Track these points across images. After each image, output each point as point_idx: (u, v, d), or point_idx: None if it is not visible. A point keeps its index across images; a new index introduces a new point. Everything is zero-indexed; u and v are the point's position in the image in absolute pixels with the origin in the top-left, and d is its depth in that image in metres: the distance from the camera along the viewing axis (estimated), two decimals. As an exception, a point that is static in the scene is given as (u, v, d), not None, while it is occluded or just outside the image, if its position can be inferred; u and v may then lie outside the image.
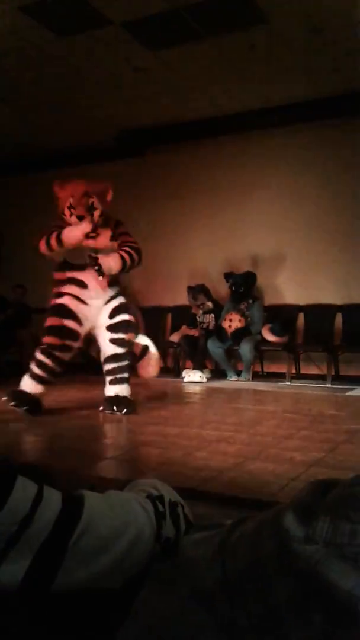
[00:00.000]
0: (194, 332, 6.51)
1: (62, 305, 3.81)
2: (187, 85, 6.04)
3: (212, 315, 6.66)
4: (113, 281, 3.98)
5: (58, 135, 7.47)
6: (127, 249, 3.89)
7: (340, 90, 6.07)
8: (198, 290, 6.71)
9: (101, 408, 3.78)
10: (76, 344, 3.87)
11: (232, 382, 6.15)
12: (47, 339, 3.83)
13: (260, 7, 4.58)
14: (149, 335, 7.13)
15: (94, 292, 3.87)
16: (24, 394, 3.68)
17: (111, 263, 3.81)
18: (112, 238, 3.91)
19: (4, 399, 3.65)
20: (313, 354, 6.40)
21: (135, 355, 4.10)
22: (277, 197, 6.81)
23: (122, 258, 3.84)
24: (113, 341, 3.85)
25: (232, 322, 6.22)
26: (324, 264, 6.49)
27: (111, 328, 3.85)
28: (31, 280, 7.52)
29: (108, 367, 3.87)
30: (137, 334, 4.07)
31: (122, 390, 3.84)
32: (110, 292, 3.95)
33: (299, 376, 6.46)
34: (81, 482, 0.86)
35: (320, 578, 0.43)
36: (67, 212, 3.78)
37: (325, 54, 5.30)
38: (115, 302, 3.94)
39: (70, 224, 3.76)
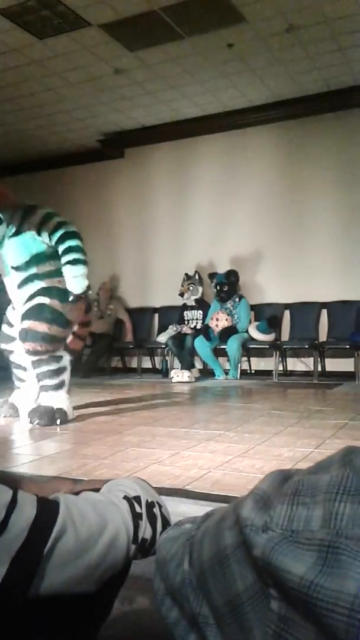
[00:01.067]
0: (186, 329, 6.53)
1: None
2: (167, 85, 6.05)
3: (200, 312, 6.67)
4: (27, 279, 3.59)
5: (40, 138, 7.45)
6: (66, 265, 3.55)
7: (319, 88, 6.12)
8: (194, 274, 6.77)
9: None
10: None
11: (220, 380, 6.17)
12: None
13: (237, 6, 4.60)
14: (136, 335, 7.19)
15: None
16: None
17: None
18: (17, 232, 3.55)
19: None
20: (300, 351, 6.44)
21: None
22: (260, 195, 6.84)
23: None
24: (25, 351, 3.56)
25: (219, 322, 6.24)
26: (309, 261, 6.53)
27: (19, 335, 3.59)
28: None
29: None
30: (50, 342, 3.51)
31: (47, 398, 3.57)
32: (26, 292, 3.59)
33: (286, 373, 6.50)
34: (62, 487, 0.85)
35: (275, 565, 0.44)
36: None
37: (302, 52, 5.33)
38: (27, 306, 3.57)
39: None
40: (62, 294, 3.53)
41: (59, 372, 3.58)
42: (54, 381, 3.55)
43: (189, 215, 7.24)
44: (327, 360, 6.34)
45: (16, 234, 3.52)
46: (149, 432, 3.15)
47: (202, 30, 4.98)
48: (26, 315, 3.51)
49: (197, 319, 6.72)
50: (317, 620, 0.41)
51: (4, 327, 3.80)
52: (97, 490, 0.83)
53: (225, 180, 7.04)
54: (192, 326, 6.66)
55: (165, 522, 0.82)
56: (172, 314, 7.00)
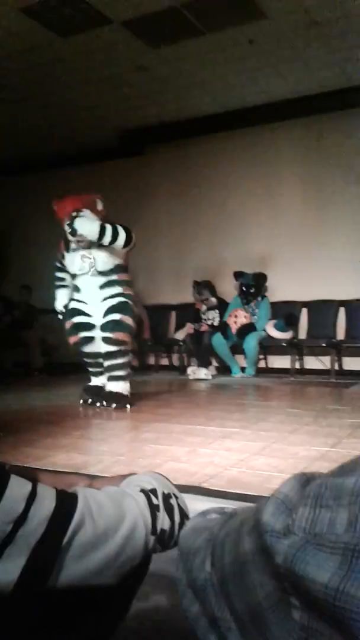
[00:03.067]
0: (204, 327, 6.51)
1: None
2: (188, 82, 6.05)
3: (217, 311, 6.67)
4: (109, 282, 4.17)
5: (61, 135, 7.49)
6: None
7: (341, 84, 6.07)
8: (203, 286, 6.73)
9: (89, 401, 4.16)
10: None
11: (236, 378, 6.17)
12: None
13: (258, 2, 4.58)
14: (153, 332, 7.21)
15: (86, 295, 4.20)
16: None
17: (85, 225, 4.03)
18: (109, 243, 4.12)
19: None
20: (317, 349, 6.41)
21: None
22: (279, 192, 6.81)
23: (101, 225, 4.02)
24: (106, 339, 4.07)
25: (238, 319, 6.23)
26: (327, 259, 6.48)
27: (103, 327, 4.08)
28: (36, 281, 7.56)
29: (105, 364, 4.14)
30: (132, 333, 4.16)
31: (116, 386, 4.10)
32: (106, 293, 4.15)
33: (303, 371, 6.47)
34: (79, 481, 0.87)
35: (297, 572, 0.42)
36: (65, 227, 4.12)
37: (323, 47, 5.29)
38: (111, 302, 4.12)
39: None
40: (133, 303, 4.22)
41: (127, 365, 4.18)
42: (124, 372, 4.14)
43: (209, 212, 7.23)
44: (345, 359, 6.30)
45: (108, 245, 4.08)
46: (166, 429, 3.17)
47: (223, 26, 4.96)
48: (115, 309, 4.06)
49: (214, 317, 6.71)
50: (343, 629, 0.40)
51: (80, 317, 4.18)
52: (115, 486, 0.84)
53: (244, 177, 7.02)
54: (209, 323, 6.66)
55: (183, 514, 0.83)
56: (189, 312, 7.00)
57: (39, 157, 8.24)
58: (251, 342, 6.09)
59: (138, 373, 6.78)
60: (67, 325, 4.25)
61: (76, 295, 4.26)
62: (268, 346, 6.39)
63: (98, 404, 4.08)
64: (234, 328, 6.21)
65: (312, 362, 6.58)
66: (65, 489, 0.74)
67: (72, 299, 4.31)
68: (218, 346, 6.28)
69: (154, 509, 0.78)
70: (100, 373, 4.24)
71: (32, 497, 0.67)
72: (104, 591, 0.71)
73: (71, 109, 6.70)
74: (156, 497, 0.81)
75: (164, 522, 0.79)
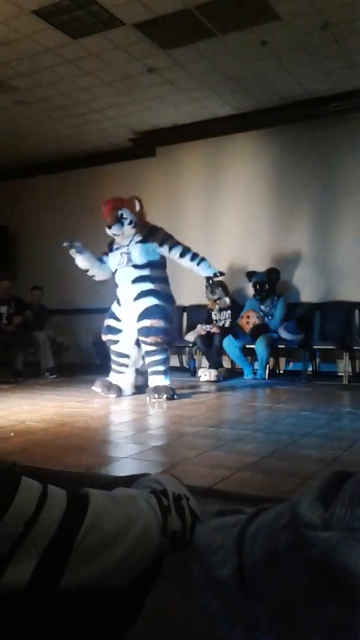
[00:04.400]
0: (215, 329, 6.47)
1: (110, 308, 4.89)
2: (200, 84, 6.04)
3: (229, 312, 6.63)
4: (141, 277, 4.63)
5: (73, 136, 7.52)
6: (195, 262, 4.84)
7: (354, 85, 6.03)
8: (216, 286, 6.69)
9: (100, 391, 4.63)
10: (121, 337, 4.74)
11: (248, 380, 6.14)
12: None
13: (270, 4, 4.57)
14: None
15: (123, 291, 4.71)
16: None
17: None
18: (142, 241, 4.68)
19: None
20: (330, 352, 6.36)
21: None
22: (292, 194, 6.78)
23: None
24: (143, 342, 4.59)
25: (250, 319, 6.20)
26: (341, 260, 6.44)
27: (139, 331, 4.59)
28: (47, 281, 7.59)
29: (146, 361, 4.66)
30: (166, 335, 4.63)
31: (160, 380, 4.60)
32: (137, 289, 4.61)
33: (316, 374, 6.43)
34: (93, 482, 0.86)
35: (335, 565, 0.42)
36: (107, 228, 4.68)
37: (336, 49, 5.26)
38: (142, 305, 4.59)
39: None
40: (167, 297, 4.73)
41: (166, 360, 4.68)
42: (164, 367, 4.63)
43: (219, 214, 7.22)
44: (359, 362, 6.25)
45: (142, 241, 4.64)
46: (177, 431, 3.15)
47: (235, 28, 4.95)
48: (145, 315, 4.53)
49: (225, 318, 6.68)
50: None
51: (111, 321, 4.78)
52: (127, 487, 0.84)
53: (256, 180, 7.00)
54: (221, 324, 6.63)
55: (194, 515, 0.83)
56: (200, 313, 6.98)
57: (50, 158, 8.28)
58: (262, 344, 6.06)
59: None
60: (104, 323, 4.86)
61: (117, 291, 4.78)
62: (280, 348, 6.35)
63: (151, 398, 4.46)
64: (246, 328, 6.17)
65: (325, 365, 6.53)
66: (76, 489, 0.74)
67: (116, 298, 4.83)
68: (229, 348, 6.26)
69: (164, 510, 0.78)
70: (120, 372, 4.75)
71: (43, 499, 0.66)
72: (116, 593, 0.70)
73: (82, 111, 6.72)
74: (167, 498, 0.80)
75: (175, 523, 0.78)
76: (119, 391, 4.68)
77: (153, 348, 4.54)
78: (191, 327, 6.92)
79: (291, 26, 4.89)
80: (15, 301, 7.00)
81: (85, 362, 7.36)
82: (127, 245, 4.65)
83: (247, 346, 6.24)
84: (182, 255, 4.73)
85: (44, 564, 0.63)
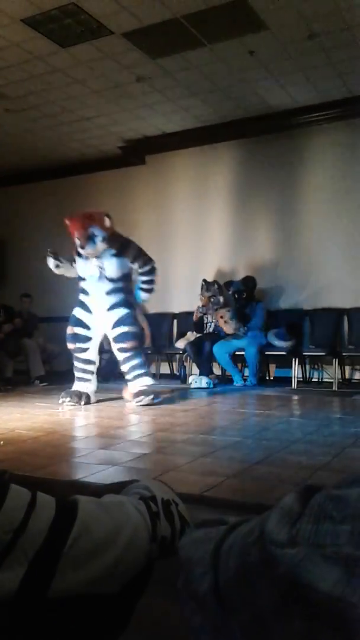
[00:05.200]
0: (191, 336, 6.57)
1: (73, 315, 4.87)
2: (189, 93, 6.08)
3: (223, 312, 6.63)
4: (115, 289, 4.74)
5: (63, 145, 7.53)
6: (145, 286, 4.98)
7: (342, 94, 6.10)
8: (212, 284, 6.74)
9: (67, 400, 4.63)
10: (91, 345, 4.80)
11: (238, 387, 6.15)
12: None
13: (258, 13, 4.61)
14: (154, 340, 7.20)
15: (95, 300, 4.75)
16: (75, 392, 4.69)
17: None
18: (117, 255, 4.75)
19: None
20: (320, 358, 6.39)
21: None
22: (280, 201, 6.83)
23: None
24: (121, 348, 4.68)
25: (224, 317, 6.25)
26: (329, 267, 6.49)
27: (115, 339, 4.70)
28: (37, 289, 7.56)
29: (124, 368, 4.73)
30: (140, 340, 4.80)
31: (144, 382, 4.68)
32: (111, 300, 4.71)
33: (306, 381, 6.45)
34: (83, 489, 0.87)
35: (300, 581, 0.43)
36: (76, 242, 4.70)
37: (323, 58, 5.33)
38: (116, 314, 4.69)
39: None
40: (133, 306, 4.83)
41: (143, 363, 4.77)
42: (143, 370, 4.72)
43: (208, 221, 7.25)
44: (348, 368, 6.28)
45: (117, 255, 4.72)
46: (167, 438, 3.15)
47: (223, 38, 5.00)
48: (121, 322, 4.66)
49: (214, 322, 6.68)
50: (344, 637, 0.41)
51: (79, 329, 4.80)
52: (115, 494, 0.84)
53: (244, 187, 7.04)
54: (210, 330, 6.64)
55: (184, 520, 0.83)
56: (191, 320, 6.99)
57: (40, 167, 8.28)
58: (252, 351, 6.07)
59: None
60: (68, 331, 4.82)
61: (84, 298, 4.80)
62: (270, 355, 6.37)
63: (74, 404, 4.56)
64: (226, 328, 6.21)
65: (315, 372, 6.56)
66: (64, 496, 0.74)
67: (78, 305, 4.83)
68: (219, 355, 6.27)
69: (154, 516, 0.78)
70: (85, 380, 4.77)
71: (31, 506, 0.66)
72: (106, 600, 0.70)
73: (72, 119, 6.73)
74: (156, 504, 0.80)
75: (164, 529, 0.78)
76: (87, 399, 4.71)
77: (131, 353, 4.65)
78: (181, 334, 6.93)
79: (278, 36, 4.94)
80: (5, 309, 6.98)
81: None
82: (100, 258, 4.71)
83: (237, 353, 6.26)
84: (145, 274, 4.95)
85: (33, 571, 0.63)
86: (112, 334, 4.70)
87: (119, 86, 5.92)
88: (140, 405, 4.50)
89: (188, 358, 6.70)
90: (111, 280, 4.73)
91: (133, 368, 4.69)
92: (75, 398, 4.63)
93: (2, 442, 3.12)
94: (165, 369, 7.31)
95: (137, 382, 4.68)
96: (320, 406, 4.68)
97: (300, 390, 5.92)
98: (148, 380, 4.73)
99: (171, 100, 6.28)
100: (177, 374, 7.04)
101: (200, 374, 6.28)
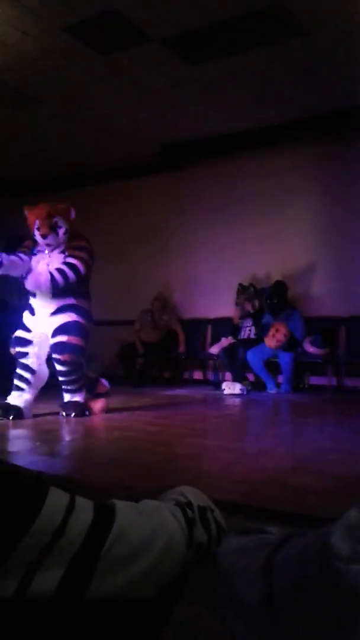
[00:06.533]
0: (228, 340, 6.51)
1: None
2: (226, 99, 6.08)
3: (252, 320, 6.59)
4: (61, 292, 4.15)
5: (100, 151, 7.61)
6: (61, 266, 4.12)
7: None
8: (248, 287, 6.72)
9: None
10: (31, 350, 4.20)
11: (272, 394, 6.09)
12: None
13: (297, 19, 4.59)
14: (188, 346, 7.21)
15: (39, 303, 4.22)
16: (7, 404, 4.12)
17: (38, 278, 4.06)
18: (63, 251, 4.23)
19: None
20: (356, 366, 6.28)
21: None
22: (317, 207, 6.76)
23: (51, 275, 4.06)
24: (56, 359, 4.14)
25: (278, 334, 6.12)
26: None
27: (52, 347, 4.15)
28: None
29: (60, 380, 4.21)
30: (76, 353, 4.14)
31: (73, 397, 4.23)
32: (56, 304, 4.17)
33: (341, 389, 6.35)
34: (115, 494, 0.87)
35: None
36: (35, 232, 4.22)
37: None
38: (60, 319, 4.15)
39: (38, 242, 4.27)
40: (88, 314, 4.29)
41: (80, 378, 4.21)
42: (78, 385, 4.21)
43: (244, 226, 7.22)
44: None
45: (62, 252, 4.20)
46: (200, 444, 3.14)
47: (263, 43, 4.98)
48: (62, 330, 4.09)
49: (249, 327, 6.64)
50: None
51: (20, 332, 4.25)
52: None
53: (281, 192, 6.99)
54: (245, 336, 6.60)
55: (220, 527, 0.83)
56: (225, 326, 6.97)
57: (77, 173, 8.39)
58: (287, 358, 6.01)
59: (172, 386, 6.80)
60: (14, 334, 4.30)
61: (31, 301, 4.27)
62: (305, 362, 6.30)
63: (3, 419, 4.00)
64: (271, 342, 6.10)
65: (351, 380, 6.45)
66: (102, 500, 0.74)
67: (27, 307, 4.31)
68: (253, 361, 6.23)
69: (190, 522, 0.78)
70: (21, 389, 4.17)
71: (70, 508, 0.67)
72: (141, 605, 0.71)
73: (109, 125, 6.81)
74: (192, 510, 0.80)
75: (200, 535, 0.78)
76: (17, 413, 4.05)
77: (65, 368, 4.10)
78: (216, 340, 6.92)
79: (317, 41, 4.90)
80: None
81: (111, 373, 7.38)
82: (49, 254, 4.24)
83: (271, 359, 6.21)
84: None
85: (71, 574, 0.64)
86: (50, 341, 4.14)
87: (156, 92, 5.96)
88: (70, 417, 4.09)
89: (221, 364, 6.68)
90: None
91: (67, 382, 4.17)
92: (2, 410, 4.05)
93: (38, 443, 3.16)
94: (198, 374, 7.30)
95: (70, 396, 4.23)
96: (356, 415, 4.60)
97: (335, 398, 5.82)
98: (78, 397, 4.22)
99: (208, 106, 6.29)
100: (211, 380, 7.02)
101: (234, 380, 6.25)
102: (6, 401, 4.13)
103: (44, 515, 0.64)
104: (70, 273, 4.09)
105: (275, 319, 6.30)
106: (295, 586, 0.50)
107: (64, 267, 4.10)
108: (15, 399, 4.13)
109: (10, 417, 3.98)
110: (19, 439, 3.38)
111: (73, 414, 4.10)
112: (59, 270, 4.08)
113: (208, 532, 0.79)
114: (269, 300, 6.35)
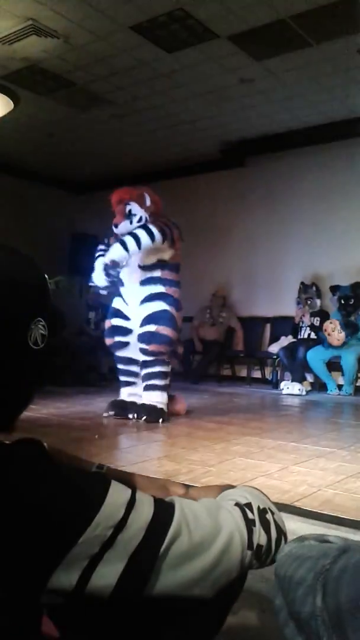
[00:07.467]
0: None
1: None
2: (293, 94, 5.99)
3: (318, 319, 6.46)
4: (150, 280, 3.94)
5: (164, 148, 7.66)
6: (134, 231, 3.82)
7: None
8: (310, 286, 6.60)
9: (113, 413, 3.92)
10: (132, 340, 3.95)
11: (332, 396, 5.96)
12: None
13: (370, 11, 4.45)
14: (247, 344, 7.15)
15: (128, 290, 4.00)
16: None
17: (113, 251, 3.80)
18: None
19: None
20: None
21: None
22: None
23: (123, 242, 3.78)
24: (142, 349, 3.89)
25: (334, 332, 6.00)
26: None
27: (140, 337, 3.88)
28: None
29: (142, 373, 3.96)
30: (165, 344, 3.85)
31: (151, 397, 3.89)
32: (145, 293, 3.93)
33: None
34: (173, 490, 0.87)
35: None
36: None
37: None
38: (149, 308, 3.90)
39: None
40: (177, 303, 3.96)
41: (165, 374, 3.92)
42: (161, 382, 3.89)
43: (307, 224, 7.09)
44: None
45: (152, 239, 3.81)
46: (257, 444, 3.12)
47: (331, 37, 4.87)
48: (152, 319, 3.84)
49: (312, 323, 6.51)
50: None
51: (117, 320, 4.03)
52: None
53: (347, 189, 6.82)
54: (306, 336, 6.49)
55: (280, 530, 0.82)
56: (285, 325, 6.88)
57: (141, 170, 8.47)
58: (350, 359, 5.87)
59: (229, 384, 6.77)
60: (106, 324, 4.12)
61: (121, 290, 4.05)
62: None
63: (130, 416, 3.82)
64: (331, 339, 5.98)
65: None
66: (160, 496, 0.75)
67: (116, 296, 4.11)
68: (313, 361, 6.11)
69: (249, 523, 0.77)
70: (130, 383, 4.03)
71: (131, 503, 0.68)
72: (199, 604, 0.71)
73: (174, 123, 6.84)
74: (252, 511, 0.79)
75: (260, 537, 0.77)
76: (121, 409, 3.90)
77: (151, 358, 3.85)
78: (274, 339, 6.84)
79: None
80: (103, 307, 7.22)
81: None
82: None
83: (332, 361, 6.07)
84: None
85: (131, 568, 0.65)
86: (139, 330, 3.89)
87: (222, 89, 5.93)
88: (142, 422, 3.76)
89: (281, 363, 6.60)
90: (144, 268, 3.95)
91: (150, 376, 3.88)
92: (119, 410, 3.89)
93: (96, 436, 3.23)
94: (256, 373, 7.24)
95: (148, 395, 3.90)
96: None
97: None
98: (161, 398, 3.90)
99: (274, 102, 6.21)
100: (269, 379, 6.94)
101: (293, 380, 6.16)
102: (121, 399, 3.99)
103: (106, 509, 0.65)
104: (144, 235, 3.76)
105: (348, 320, 6.13)
106: (353, 601, 0.49)
107: (137, 231, 3.81)
108: (128, 393, 3.99)
109: (160, 420, 3.74)
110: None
111: (144, 418, 3.74)
112: (131, 234, 3.80)
113: (268, 535, 0.78)
114: (344, 300, 6.19)
